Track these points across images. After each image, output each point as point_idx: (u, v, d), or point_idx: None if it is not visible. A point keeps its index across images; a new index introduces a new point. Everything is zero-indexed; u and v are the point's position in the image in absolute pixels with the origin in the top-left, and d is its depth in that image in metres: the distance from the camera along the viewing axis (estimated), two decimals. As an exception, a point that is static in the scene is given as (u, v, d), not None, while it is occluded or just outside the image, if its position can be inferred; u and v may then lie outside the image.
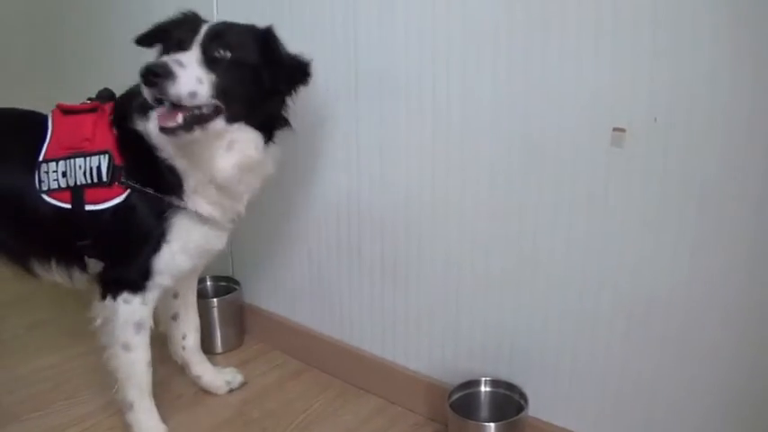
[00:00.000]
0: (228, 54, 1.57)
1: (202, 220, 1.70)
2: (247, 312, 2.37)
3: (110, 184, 1.65)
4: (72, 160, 1.67)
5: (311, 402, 2.04)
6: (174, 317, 2.05)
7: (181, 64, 1.50)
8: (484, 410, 1.80)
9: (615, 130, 1.47)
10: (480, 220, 1.74)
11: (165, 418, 1.85)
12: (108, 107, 1.73)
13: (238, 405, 1.99)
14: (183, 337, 2.06)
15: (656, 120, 1.41)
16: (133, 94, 1.68)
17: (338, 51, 1.90)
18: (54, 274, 1.81)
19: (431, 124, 1.77)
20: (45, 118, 1.75)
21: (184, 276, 1.83)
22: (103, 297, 1.74)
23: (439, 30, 1.69)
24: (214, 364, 2.12)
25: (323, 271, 2.15)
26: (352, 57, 1.88)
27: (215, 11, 2.19)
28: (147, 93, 1.49)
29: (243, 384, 2.12)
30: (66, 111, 1.75)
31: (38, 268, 1.81)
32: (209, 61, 1.55)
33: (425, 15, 1.70)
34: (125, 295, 1.71)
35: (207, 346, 2.17)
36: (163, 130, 1.52)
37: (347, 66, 1.89)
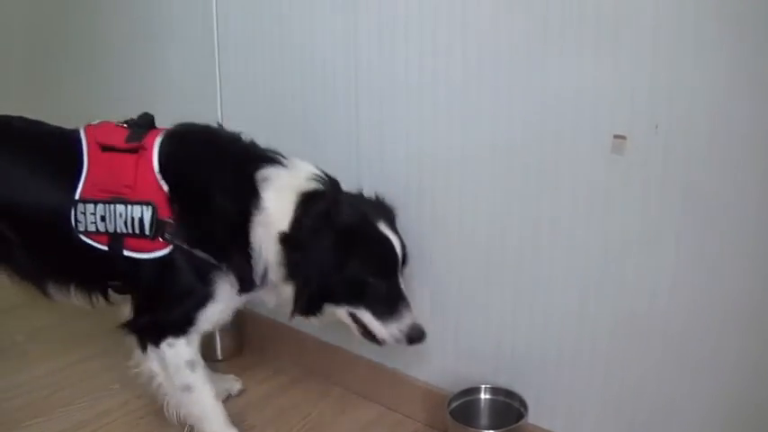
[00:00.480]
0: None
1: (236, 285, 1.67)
2: (247, 320, 2.37)
3: (153, 238, 1.61)
4: (112, 206, 1.61)
5: (310, 410, 2.04)
6: None
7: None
8: (483, 418, 1.79)
9: (616, 137, 1.47)
10: (480, 227, 1.74)
11: (160, 426, 1.84)
12: (152, 148, 1.65)
13: (238, 412, 1.98)
14: None
15: (656, 127, 1.41)
16: (187, 144, 1.67)
17: (338, 55, 1.90)
18: (71, 298, 1.78)
19: (431, 130, 1.77)
20: (80, 143, 1.68)
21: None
22: (144, 347, 1.70)
23: (439, 36, 1.69)
24: (214, 371, 2.11)
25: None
26: (351, 59, 1.88)
27: (215, 11, 2.19)
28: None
29: (241, 392, 2.11)
30: (105, 147, 1.67)
31: (54, 292, 1.78)
32: None
33: (425, 23, 1.71)
34: (169, 340, 1.67)
35: (207, 354, 2.15)
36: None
37: (346, 68, 1.89)
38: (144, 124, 1.73)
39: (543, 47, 1.53)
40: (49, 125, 1.79)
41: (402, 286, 1.64)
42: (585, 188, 1.54)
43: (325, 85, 1.95)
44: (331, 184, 1.69)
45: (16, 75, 3.14)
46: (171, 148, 1.66)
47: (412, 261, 1.83)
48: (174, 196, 1.61)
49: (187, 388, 1.70)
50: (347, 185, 1.73)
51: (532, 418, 1.71)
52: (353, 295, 1.61)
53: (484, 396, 1.80)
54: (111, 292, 1.75)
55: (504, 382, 1.79)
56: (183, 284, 1.64)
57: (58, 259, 1.72)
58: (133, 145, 1.65)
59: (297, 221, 1.59)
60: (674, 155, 1.40)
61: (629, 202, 1.49)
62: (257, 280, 1.65)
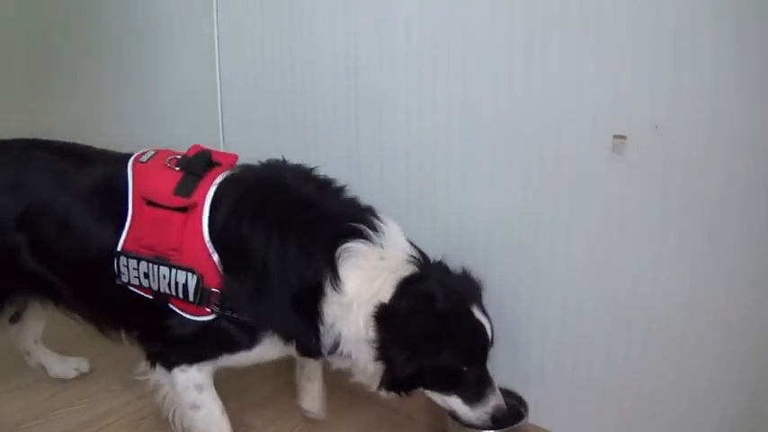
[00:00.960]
0: None
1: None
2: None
3: (198, 305, 1.52)
4: (156, 266, 1.52)
5: (312, 411, 2.03)
6: None
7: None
8: (484, 418, 1.79)
9: (616, 137, 1.47)
10: (480, 227, 1.74)
11: (160, 427, 1.84)
12: (202, 207, 1.52)
13: (238, 413, 1.98)
14: None
15: (656, 127, 1.41)
16: (252, 195, 1.55)
17: (338, 61, 1.90)
18: (123, 340, 1.75)
19: (431, 133, 1.77)
20: (126, 188, 1.58)
21: None
22: (153, 366, 1.65)
23: (439, 38, 1.70)
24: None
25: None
26: (352, 62, 1.89)
27: (215, 11, 2.20)
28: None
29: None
30: (150, 202, 1.55)
31: (111, 333, 1.76)
32: None
33: (425, 26, 1.71)
34: (183, 367, 1.61)
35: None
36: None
37: (347, 71, 1.89)
38: (197, 170, 1.58)
39: (543, 47, 1.53)
40: (95, 155, 1.73)
41: (489, 370, 1.57)
42: (585, 188, 1.54)
43: (325, 86, 1.95)
44: (425, 261, 1.57)
45: (19, 82, 3.14)
46: (224, 208, 1.53)
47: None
48: (226, 265, 1.50)
49: (194, 406, 1.66)
50: (349, 185, 1.71)
51: (533, 418, 1.71)
52: (445, 382, 1.54)
53: (484, 397, 1.79)
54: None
55: (504, 382, 1.78)
56: (226, 340, 1.57)
57: (105, 305, 1.70)
58: (182, 203, 1.53)
59: (396, 300, 1.47)
60: (675, 154, 1.41)
61: (629, 202, 1.49)
62: (324, 351, 1.54)
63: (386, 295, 1.47)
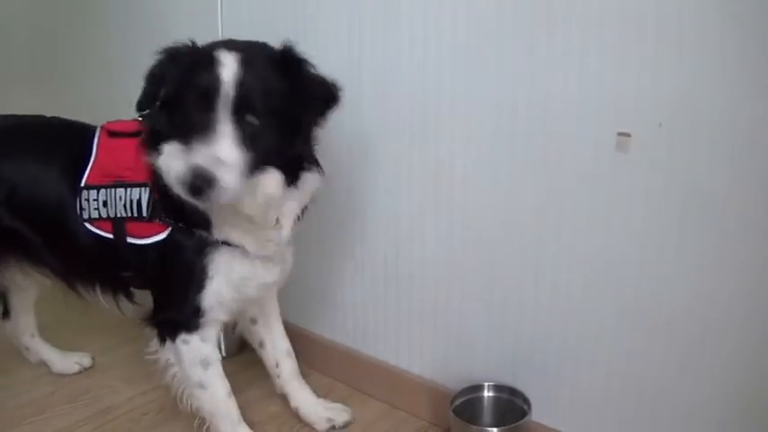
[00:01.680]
0: (257, 120, 1.39)
1: (242, 252, 1.59)
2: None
3: (150, 219, 1.58)
4: (113, 190, 1.60)
5: (314, 407, 2.03)
6: (261, 344, 1.97)
7: (222, 163, 1.32)
8: (487, 415, 1.79)
9: (620, 134, 1.47)
10: (484, 226, 1.74)
11: (163, 423, 1.84)
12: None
13: (240, 409, 1.98)
14: (276, 365, 1.97)
15: (660, 125, 1.41)
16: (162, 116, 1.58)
17: (342, 54, 1.90)
18: (100, 300, 1.79)
19: (433, 128, 1.77)
20: (93, 135, 1.68)
21: (241, 308, 1.77)
22: (162, 341, 1.69)
23: (443, 35, 1.69)
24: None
25: (325, 274, 2.14)
26: (355, 57, 1.88)
27: (219, 13, 2.19)
28: (191, 199, 1.36)
29: (348, 424, 1.95)
30: (112, 133, 1.66)
31: (83, 292, 1.80)
32: (242, 138, 1.37)
33: (429, 21, 1.71)
34: (183, 336, 1.65)
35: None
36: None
37: (350, 63, 1.89)
38: None
39: (547, 44, 1.53)
40: (66, 120, 1.80)
41: (220, 121, 1.36)
42: (589, 185, 1.54)
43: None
44: None
45: (23, 73, 3.14)
46: (148, 129, 1.57)
47: (415, 262, 1.83)
48: (153, 174, 1.54)
49: (200, 385, 1.69)
50: (352, 183, 1.72)
51: (536, 415, 1.71)
52: (171, 123, 1.46)
53: (487, 393, 1.80)
54: (132, 289, 1.75)
55: (507, 379, 1.79)
56: (182, 267, 1.60)
57: (72, 253, 1.72)
58: (139, 128, 1.61)
59: None
60: (678, 152, 1.40)
61: (632, 200, 1.49)
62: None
63: None
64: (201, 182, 1.31)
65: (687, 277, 1.45)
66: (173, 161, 1.43)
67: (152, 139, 1.51)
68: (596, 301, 1.59)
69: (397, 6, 1.76)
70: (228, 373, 1.74)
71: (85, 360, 2.23)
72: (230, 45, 1.45)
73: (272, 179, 1.48)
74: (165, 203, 1.56)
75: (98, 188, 1.62)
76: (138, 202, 1.59)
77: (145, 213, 1.58)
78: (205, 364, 1.68)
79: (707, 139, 1.36)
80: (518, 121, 1.62)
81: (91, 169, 1.64)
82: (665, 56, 1.38)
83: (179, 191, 1.37)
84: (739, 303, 1.40)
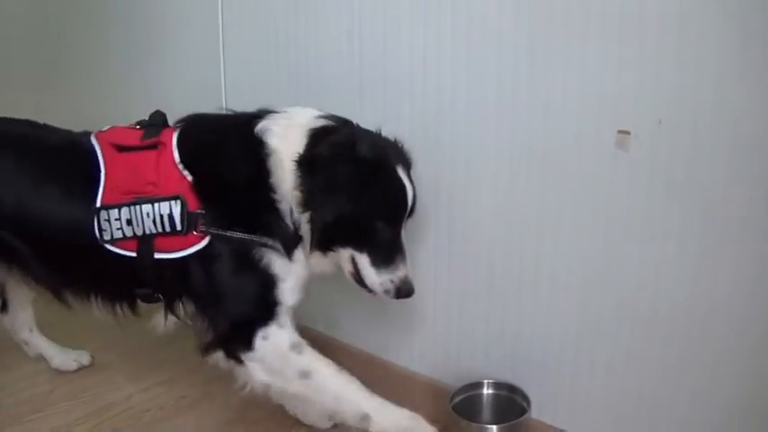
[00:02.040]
0: None
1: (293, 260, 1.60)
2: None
3: (185, 233, 1.54)
4: (137, 207, 1.54)
5: (313, 404, 2.03)
6: None
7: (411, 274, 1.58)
8: (486, 413, 1.79)
9: (620, 132, 1.47)
10: (483, 224, 1.74)
11: (164, 420, 1.83)
12: (170, 143, 1.59)
13: (241, 406, 1.98)
14: None
15: (660, 122, 1.41)
16: (203, 130, 1.63)
17: (342, 56, 1.90)
18: (92, 309, 1.73)
19: (434, 125, 1.76)
20: (91, 147, 1.63)
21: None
22: (239, 359, 1.57)
23: (444, 33, 1.69)
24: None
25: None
26: (356, 55, 1.88)
27: (220, 14, 2.19)
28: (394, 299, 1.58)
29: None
30: (121, 148, 1.61)
31: (73, 300, 1.74)
32: None
33: (430, 19, 1.71)
34: (260, 333, 1.55)
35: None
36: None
37: (351, 69, 1.89)
38: (157, 122, 1.68)
39: (547, 42, 1.53)
40: (55, 129, 1.75)
41: (403, 238, 1.59)
42: (589, 183, 1.54)
43: (329, 82, 1.95)
44: (344, 121, 1.64)
45: (23, 72, 3.14)
46: (188, 139, 1.61)
47: (414, 259, 1.83)
48: (198, 185, 1.55)
49: (304, 374, 1.55)
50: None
51: (535, 412, 1.71)
52: (359, 236, 1.55)
53: (487, 391, 1.80)
54: (138, 301, 1.70)
55: (507, 376, 1.79)
56: (238, 273, 1.55)
57: (79, 271, 1.68)
58: (151, 141, 1.60)
59: (311, 147, 1.54)
60: (678, 149, 1.40)
61: (632, 198, 1.49)
62: (292, 228, 1.58)
63: (301, 144, 1.55)
64: (408, 292, 1.58)
65: (687, 275, 1.45)
66: (369, 273, 1.57)
67: (322, 238, 1.56)
68: (596, 298, 1.59)
69: (397, 6, 1.76)
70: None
71: (84, 359, 2.22)
72: (400, 157, 1.62)
73: None
74: (217, 211, 1.55)
75: (119, 207, 1.55)
76: (170, 216, 1.53)
77: (179, 227, 1.53)
78: (297, 347, 1.57)
79: (707, 137, 1.36)
80: (518, 118, 1.62)
81: (104, 188, 1.58)
82: (665, 53, 1.38)
83: (383, 295, 1.58)
84: (740, 302, 1.40)
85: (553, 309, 1.67)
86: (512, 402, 1.75)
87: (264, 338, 1.55)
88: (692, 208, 1.41)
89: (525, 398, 1.73)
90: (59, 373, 2.19)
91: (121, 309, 1.72)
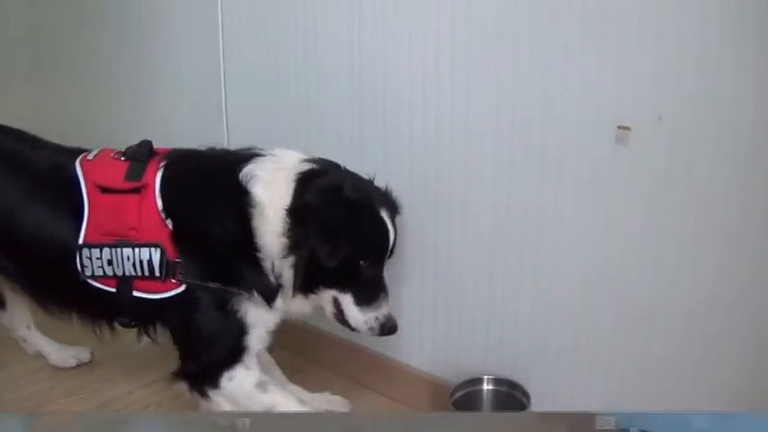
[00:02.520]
0: None
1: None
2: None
3: (164, 280, 1.57)
4: (119, 250, 1.57)
5: (313, 400, 2.03)
6: None
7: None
8: (486, 408, 1.80)
9: (620, 128, 1.47)
10: (483, 219, 1.74)
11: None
12: (153, 186, 1.60)
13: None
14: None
15: (660, 118, 1.41)
16: (187, 181, 1.62)
17: (341, 52, 1.90)
18: (73, 323, 1.77)
19: (434, 122, 1.76)
20: (78, 181, 1.63)
21: None
22: (203, 393, 1.63)
23: (443, 28, 1.69)
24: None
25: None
26: (355, 57, 1.88)
27: (219, 14, 2.18)
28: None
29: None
30: (102, 189, 1.62)
31: (56, 313, 1.77)
32: None
33: (429, 13, 1.70)
34: (226, 374, 1.60)
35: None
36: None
37: (350, 64, 1.89)
38: (142, 157, 1.66)
39: (547, 38, 1.53)
40: (43, 145, 1.76)
41: (385, 276, 1.65)
42: (589, 179, 1.54)
43: (329, 80, 1.95)
44: (331, 164, 1.66)
45: (19, 72, 3.13)
46: (171, 183, 1.62)
47: (414, 255, 1.83)
48: (178, 234, 1.58)
49: (269, 409, 1.62)
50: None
51: (535, 408, 1.71)
52: (343, 276, 1.59)
53: (487, 387, 1.80)
54: (116, 325, 1.73)
55: (506, 372, 1.79)
56: (213, 320, 1.60)
57: (61, 293, 1.71)
58: (134, 185, 1.61)
59: (299, 195, 1.57)
60: (678, 146, 1.40)
61: (632, 194, 1.49)
62: (273, 281, 1.61)
63: (287, 192, 1.57)
64: (392, 329, 1.64)
65: (687, 273, 1.45)
66: (354, 312, 1.62)
67: (307, 281, 1.60)
68: (596, 294, 1.59)
69: (396, 6, 1.76)
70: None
71: (83, 355, 2.22)
72: (385, 201, 1.66)
73: None
74: (194, 262, 1.57)
75: (101, 247, 1.58)
76: (150, 262, 1.56)
77: (158, 273, 1.56)
78: (262, 386, 1.63)
79: (707, 133, 1.36)
80: (518, 115, 1.62)
81: (87, 226, 1.60)
82: (664, 49, 1.38)
83: (367, 333, 1.64)
84: (740, 299, 1.40)
85: (553, 304, 1.67)
86: (511, 398, 1.75)
87: (230, 379, 1.61)
88: (693, 204, 1.41)
89: (525, 393, 1.73)
90: (58, 369, 2.18)
91: (100, 329, 1.76)
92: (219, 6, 2.18)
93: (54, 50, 2.95)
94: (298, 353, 2.25)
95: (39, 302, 1.80)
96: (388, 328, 1.63)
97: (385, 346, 2.04)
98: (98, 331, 1.76)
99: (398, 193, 1.74)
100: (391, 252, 1.66)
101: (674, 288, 1.47)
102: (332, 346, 2.16)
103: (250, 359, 1.64)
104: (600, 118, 1.49)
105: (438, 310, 1.90)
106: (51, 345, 2.20)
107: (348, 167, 1.70)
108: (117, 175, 1.63)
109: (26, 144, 1.75)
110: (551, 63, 1.54)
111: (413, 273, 1.92)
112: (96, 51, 2.72)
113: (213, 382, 1.61)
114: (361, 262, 1.58)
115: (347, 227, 1.54)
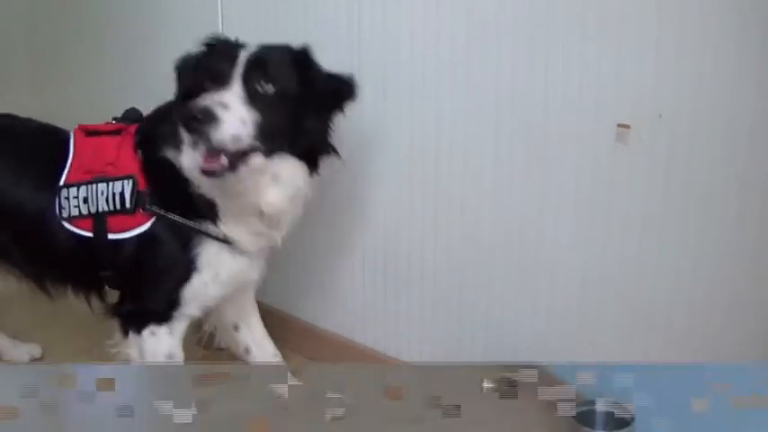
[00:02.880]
0: (271, 88, 1.49)
1: (234, 248, 1.61)
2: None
3: (133, 211, 1.58)
4: (94, 185, 1.59)
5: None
6: (247, 350, 1.93)
7: (224, 106, 1.41)
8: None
9: (620, 126, 1.46)
10: (483, 218, 1.74)
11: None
12: (133, 129, 1.66)
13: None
14: None
15: (660, 116, 1.40)
16: (160, 115, 1.65)
17: (341, 47, 1.90)
18: (69, 298, 1.77)
19: (434, 119, 1.76)
20: (68, 137, 1.68)
21: (212, 306, 1.73)
22: (126, 333, 1.65)
23: (443, 25, 1.69)
24: (218, 359, 2.11)
25: (327, 268, 2.14)
26: (355, 52, 1.88)
27: (220, 14, 2.19)
28: (186, 137, 1.45)
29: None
30: (90, 132, 1.68)
31: (53, 290, 1.78)
32: (252, 98, 1.46)
33: (429, 10, 1.70)
34: (151, 327, 1.62)
35: (209, 342, 2.16)
36: (206, 173, 1.45)
37: (350, 61, 1.89)
38: (131, 117, 1.73)
39: (547, 35, 1.53)
40: (38, 122, 1.80)
41: (232, 81, 1.48)
42: (589, 177, 1.54)
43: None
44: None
45: (21, 63, 3.14)
46: (147, 124, 1.67)
47: (415, 256, 1.83)
48: (145, 164, 1.60)
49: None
50: (352, 178, 1.71)
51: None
52: None
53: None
54: (106, 288, 1.72)
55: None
56: (167, 258, 1.60)
57: (48, 254, 1.71)
58: (118, 126, 1.68)
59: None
60: (678, 143, 1.40)
61: (632, 192, 1.49)
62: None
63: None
64: (204, 116, 1.39)
65: (686, 269, 1.44)
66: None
67: (166, 138, 1.58)
68: (595, 294, 1.59)
69: (396, 4, 1.76)
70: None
71: (36, 350, 2.22)
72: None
73: (298, 170, 1.56)
74: (158, 191, 1.58)
75: (78, 185, 1.61)
76: (121, 194, 1.58)
77: (128, 204, 1.57)
78: (171, 357, 1.64)
79: (707, 131, 1.36)
80: (518, 113, 1.62)
81: (69, 168, 1.63)
82: (665, 47, 1.38)
83: (183, 133, 1.46)
84: (740, 296, 1.40)
85: (552, 305, 1.67)
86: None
87: (152, 334, 1.63)
88: (692, 201, 1.41)
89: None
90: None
91: (92, 296, 1.75)
92: (220, 6, 2.19)
93: (55, 47, 2.97)
94: (298, 352, 2.23)
95: (35, 279, 1.78)
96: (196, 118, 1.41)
97: (386, 346, 2.04)
98: (92, 299, 1.75)
99: (398, 188, 1.74)
100: (254, 64, 1.51)
101: (674, 285, 1.47)
102: (332, 345, 2.16)
103: (178, 325, 1.64)
104: (600, 116, 1.49)
105: (438, 309, 1.89)
106: (5, 341, 2.20)
107: (347, 158, 1.71)
108: (106, 126, 1.71)
109: (19, 119, 1.81)
110: (551, 61, 1.53)
111: (414, 274, 1.92)
112: (99, 48, 2.74)
113: (138, 327, 1.63)
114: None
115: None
